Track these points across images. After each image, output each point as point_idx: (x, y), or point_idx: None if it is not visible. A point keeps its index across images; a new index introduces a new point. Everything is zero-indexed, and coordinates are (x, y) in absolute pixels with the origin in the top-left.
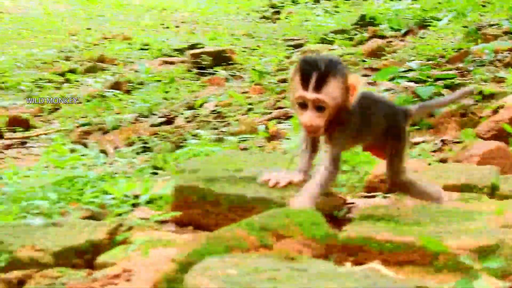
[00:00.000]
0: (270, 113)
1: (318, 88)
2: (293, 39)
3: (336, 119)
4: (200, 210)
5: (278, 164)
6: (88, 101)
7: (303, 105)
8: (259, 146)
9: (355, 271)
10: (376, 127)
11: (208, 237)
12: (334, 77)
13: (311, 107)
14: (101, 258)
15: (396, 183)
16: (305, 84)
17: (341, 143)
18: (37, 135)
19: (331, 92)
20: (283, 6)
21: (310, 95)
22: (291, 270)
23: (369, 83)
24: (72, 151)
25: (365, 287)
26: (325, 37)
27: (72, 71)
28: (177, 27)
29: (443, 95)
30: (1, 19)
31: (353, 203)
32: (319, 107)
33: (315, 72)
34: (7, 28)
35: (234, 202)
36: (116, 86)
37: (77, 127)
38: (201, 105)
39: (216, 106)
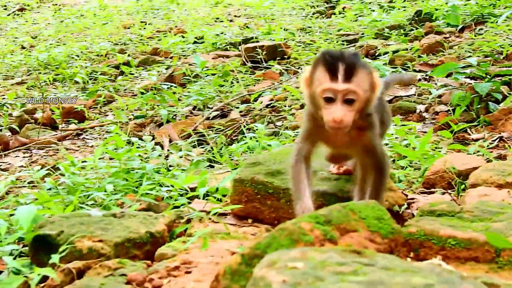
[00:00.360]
0: None
1: (348, 78)
2: (348, 34)
3: (357, 121)
4: (260, 204)
5: None
6: (142, 93)
7: (329, 99)
8: None
9: (421, 266)
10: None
11: (272, 230)
12: (362, 69)
13: (340, 100)
14: (160, 250)
15: None
16: (333, 75)
17: (379, 141)
18: (91, 127)
19: (361, 83)
20: (338, 1)
21: (341, 85)
22: (359, 264)
23: (425, 79)
24: (128, 143)
25: (434, 282)
26: (380, 32)
27: (127, 64)
28: (231, 21)
29: (501, 92)
30: (57, 12)
31: (413, 198)
32: (348, 100)
33: (343, 63)
34: (63, 20)
35: None
36: (170, 79)
37: (132, 119)
38: (255, 99)
39: (271, 100)
